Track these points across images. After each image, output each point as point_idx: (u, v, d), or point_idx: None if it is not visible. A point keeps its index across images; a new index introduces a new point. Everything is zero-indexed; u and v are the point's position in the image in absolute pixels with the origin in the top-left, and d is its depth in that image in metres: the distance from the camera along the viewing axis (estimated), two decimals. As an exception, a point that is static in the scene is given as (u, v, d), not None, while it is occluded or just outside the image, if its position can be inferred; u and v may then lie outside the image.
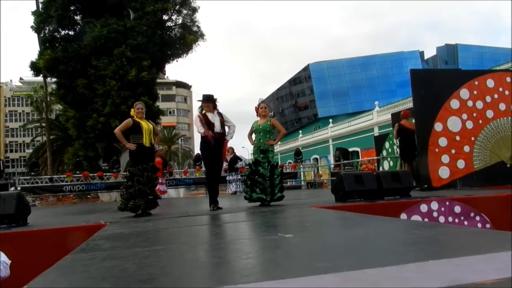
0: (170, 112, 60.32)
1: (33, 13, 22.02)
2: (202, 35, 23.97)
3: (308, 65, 49.38)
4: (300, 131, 45.02)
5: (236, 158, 13.69)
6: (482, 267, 1.71)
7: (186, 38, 22.98)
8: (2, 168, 14.28)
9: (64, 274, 2.09)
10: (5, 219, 4.91)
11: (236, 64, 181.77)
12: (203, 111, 6.23)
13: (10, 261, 2.64)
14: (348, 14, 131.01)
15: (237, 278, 1.83)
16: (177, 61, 24.87)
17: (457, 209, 5.86)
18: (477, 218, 5.86)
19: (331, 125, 36.80)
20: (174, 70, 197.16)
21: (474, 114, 8.66)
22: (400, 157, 9.65)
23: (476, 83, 8.81)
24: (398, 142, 9.73)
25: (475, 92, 8.74)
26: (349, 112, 41.88)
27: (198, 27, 24.13)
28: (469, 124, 8.61)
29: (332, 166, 22.93)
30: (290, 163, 21.20)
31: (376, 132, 27.48)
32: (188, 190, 23.96)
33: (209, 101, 6.24)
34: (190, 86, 71.69)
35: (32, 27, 22.04)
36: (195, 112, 6.78)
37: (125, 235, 3.67)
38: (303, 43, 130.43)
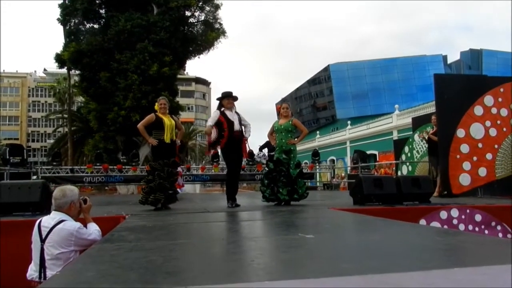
0: (188, 108, 60.71)
1: (60, 5, 22.48)
2: (223, 32, 24.10)
3: (328, 65, 49.11)
4: (318, 132, 44.82)
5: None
6: (509, 277, 1.70)
7: (208, 35, 23.13)
8: (24, 157, 14.65)
9: (93, 263, 2.14)
10: (30, 206, 5.05)
11: (255, 61, 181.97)
12: (222, 109, 6.27)
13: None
14: (375, 12, 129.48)
15: (262, 275, 1.86)
16: (198, 57, 25.09)
17: (478, 217, 5.78)
18: (498, 227, 5.77)
19: (349, 127, 36.53)
20: (193, 66, 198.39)
21: (498, 122, 8.51)
22: (433, 161, 8.96)
23: (502, 90, 8.65)
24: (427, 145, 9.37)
25: (500, 99, 8.58)
26: (368, 114, 41.48)
27: (220, 24, 24.29)
28: (493, 132, 8.47)
29: (349, 168, 22.78)
30: (306, 163, 21.17)
31: (395, 136, 27.17)
32: (204, 186, 24.14)
33: (230, 97, 6.30)
34: (209, 83, 72.06)
35: (58, 19, 22.51)
36: (214, 109, 6.80)
37: (147, 227, 3.74)
38: (326, 41, 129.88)
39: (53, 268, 3.12)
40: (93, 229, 3.47)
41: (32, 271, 3.27)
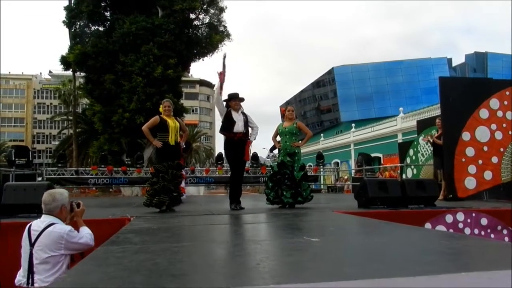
0: (192, 110, 60.76)
1: (65, 8, 22.63)
2: (228, 35, 24.18)
3: (332, 68, 49.07)
4: (322, 135, 44.74)
5: None
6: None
7: (213, 38, 23.19)
8: (30, 158, 14.71)
9: (99, 265, 2.15)
10: (35, 208, 5.06)
11: (258, 63, 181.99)
12: (229, 109, 6.30)
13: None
14: (376, 13, 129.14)
15: (267, 278, 1.86)
16: (203, 60, 25.14)
17: (484, 221, 5.74)
18: (504, 231, 5.73)
19: (353, 129, 36.45)
20: (197, 68, 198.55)
21: (504, 125, 8.46)
22: (438, 164, 8.90)
23: (507, 93, 8.61)
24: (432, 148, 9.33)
25: (505, 103, 8.54)
26: (372, 117, 41.37)
27: (225, 26, 24.36)
28: (498, 135, 8.42)
29: (353, 171, 22.71)
30: (310, 166, 21.16)
31: (400, 138, 27.08)
32: (208, 188, 24.15)
33: (237, 99, 6.31)
34: (214, 85, 72.05)
35: (63, 21, 22.65)
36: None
37: (152, 230, 3.75)
38: (327, 42, 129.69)
39: (41, 273, 3.07)
40: (85, 233, 3.40)
41: (20, 277, 3.22)
